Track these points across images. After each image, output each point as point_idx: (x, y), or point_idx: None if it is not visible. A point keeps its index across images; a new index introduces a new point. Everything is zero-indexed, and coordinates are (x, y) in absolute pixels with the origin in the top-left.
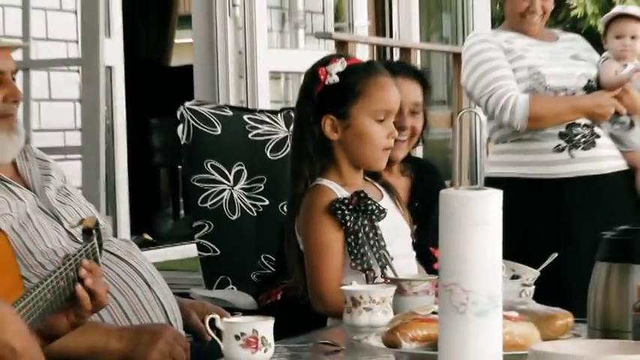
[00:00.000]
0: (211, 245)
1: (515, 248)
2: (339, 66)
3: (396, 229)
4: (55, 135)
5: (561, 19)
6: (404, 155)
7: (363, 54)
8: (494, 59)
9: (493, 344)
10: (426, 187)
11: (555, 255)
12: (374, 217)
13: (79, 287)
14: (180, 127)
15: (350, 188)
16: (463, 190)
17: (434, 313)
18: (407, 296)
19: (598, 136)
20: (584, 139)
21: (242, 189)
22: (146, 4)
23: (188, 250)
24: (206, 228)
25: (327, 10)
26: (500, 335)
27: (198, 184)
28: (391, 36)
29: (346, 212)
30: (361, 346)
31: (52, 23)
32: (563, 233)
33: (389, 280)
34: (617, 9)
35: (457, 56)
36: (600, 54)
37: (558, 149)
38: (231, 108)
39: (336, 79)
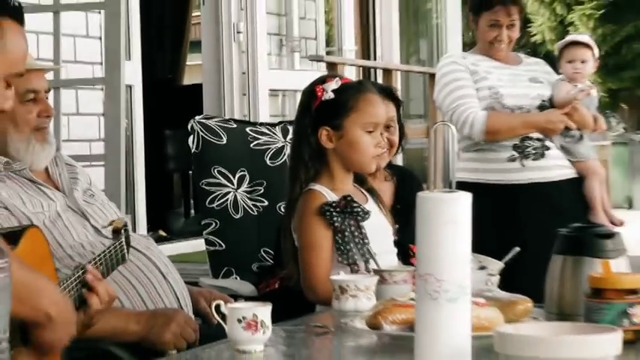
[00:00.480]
0: (218, 240)
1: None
2: (334, 84)
3: (378, 229)
4: (82, 145)
5: (523, 44)
6: (386, 163)
7: (350, 74)
8: (460, 79)
9: (462, 326)
10: (406, 191)
11: (517, 249)
12: (359, 217)
13: (84, 290)
14: (190, 138)
15: (339, 192)
16: (437, 193)
17: (411, 299)
18: (388, 285)
19: (548, 148)
20: (534, 151)
21: (244, 192)
22: (162, 31)
23: (197, 245)
24: (213, 225)
25: (320, 36)
26: (468, 319)
27: (206, 188)
28: (375, 59)
29: (334, 214)
30: (348, 328)
31: (79, 48)
32: (516, 232)
33: (373, 271)
34: (570, 37)
35: (433, 76)
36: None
37: (511, 159)
38: (235, 121)
39: (332, 95)
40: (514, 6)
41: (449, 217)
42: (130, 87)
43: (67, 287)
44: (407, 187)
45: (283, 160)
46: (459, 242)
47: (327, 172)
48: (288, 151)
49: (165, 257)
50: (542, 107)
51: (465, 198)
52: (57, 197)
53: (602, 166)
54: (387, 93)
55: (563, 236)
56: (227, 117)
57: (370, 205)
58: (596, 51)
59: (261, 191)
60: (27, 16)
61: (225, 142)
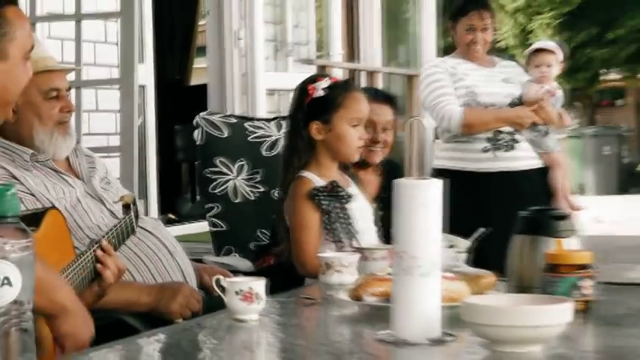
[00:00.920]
0: (220, 222)
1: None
2: (324, 83)
3: (360, 210)
4: (100, 138)
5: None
6: (379, 160)
7: (337, 75)
8: (441, 80)
9: (434, 298)
10: (392, 181)
11: (483, 230)
12: (344, 200)
13: (98, 265)
14: (196, 132)
15: (326, 178)
16: (412, 180)
17: (389, 274)
18: (368, 262)
19: (517, 141)
20: (505, 143)
21: (243, 179)
22: (172, 37)
23: (202, 226)
24: (216, 209)
25: (311, 42)
26: (439, 291)
27: (209, 176)
28: (359, 62)
29: (322, 197)
30: (333, 300)
31: (98, 52)
32: (487, 215)
33: (355, 249)
34: (538, 44)
35: (411, 78)
36: None
37: (485, 150)
38: (236, 117)
39: (322, 93)
40: (486, 11)
41: (421, 201)
42: (143, 87)
43: (83, 261)
44: (392, 177)
45: (277, 151)
46: (431, 223)
47: (315, 160)
48: (282, 143)
49: (172, 237)
50: (512, 105)
51: (436, 184)
52: (77, 184)
53: (566, 158)
54: (388, 99)
55: (522, 218)
56: (228, 113)
57: (352, 189)
58: (561, 56)
59: (258, 179)
60: (52, 25)
61: (226, 135)
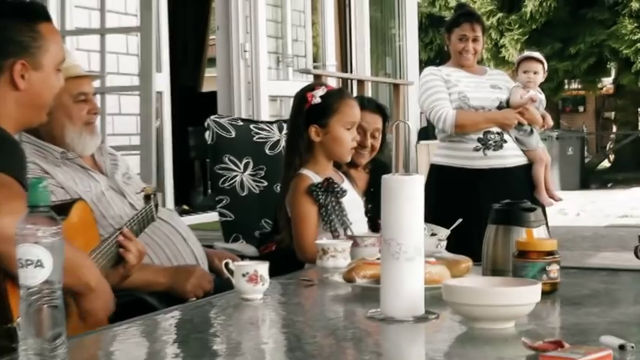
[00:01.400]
0: (228, 213)
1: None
2: (321, 91)
3: (353, 203)
4: (122, 137)
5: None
6: (365, 162)
7: (332, 84)
8: (436, 86)
9: (417, 280)
10: (379, 178)
11: (460, 220)
12: (338, 195)
13: (120, 249)
14: (207, 133)
15: (322, 175)
16: (398, 176)
17: (378, 259)
18: (360, 248)
19: (505, 141)
20: (494, 143)
21: (249, 175)
22: (186, 49)
23: (213, 216)
24: (225, 201)
25: (308, 55)
26: (422, 274)
27: (219, 172)
28: (351, 72)
29: (319, 192)
30: (328, 281)
31: (121, 62)
32: (476, 207)
33: (348, 237)
34: (527, 53)
35: (396, 86)
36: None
37: (476, 149)
38: (242, 120)
39: (319, 100)
40: (477, 24)
41: (407, 195)
42: (160, 93)
43: (107, 246)
44: (379, 174)
45: (279, 150)
46: (415, 214)
47: (313, 160)
48: (283, 143)
49: (185, 225)
50: (500, 108)
51: (419, 179)
52: (101, 179)
53: (547, 155)
54: (378, 108)
55: (496, 210)
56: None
57: (346, 184)
58: (546, 65)
59: (262, 174)
60: (79, 38)
61: (234, 136)
